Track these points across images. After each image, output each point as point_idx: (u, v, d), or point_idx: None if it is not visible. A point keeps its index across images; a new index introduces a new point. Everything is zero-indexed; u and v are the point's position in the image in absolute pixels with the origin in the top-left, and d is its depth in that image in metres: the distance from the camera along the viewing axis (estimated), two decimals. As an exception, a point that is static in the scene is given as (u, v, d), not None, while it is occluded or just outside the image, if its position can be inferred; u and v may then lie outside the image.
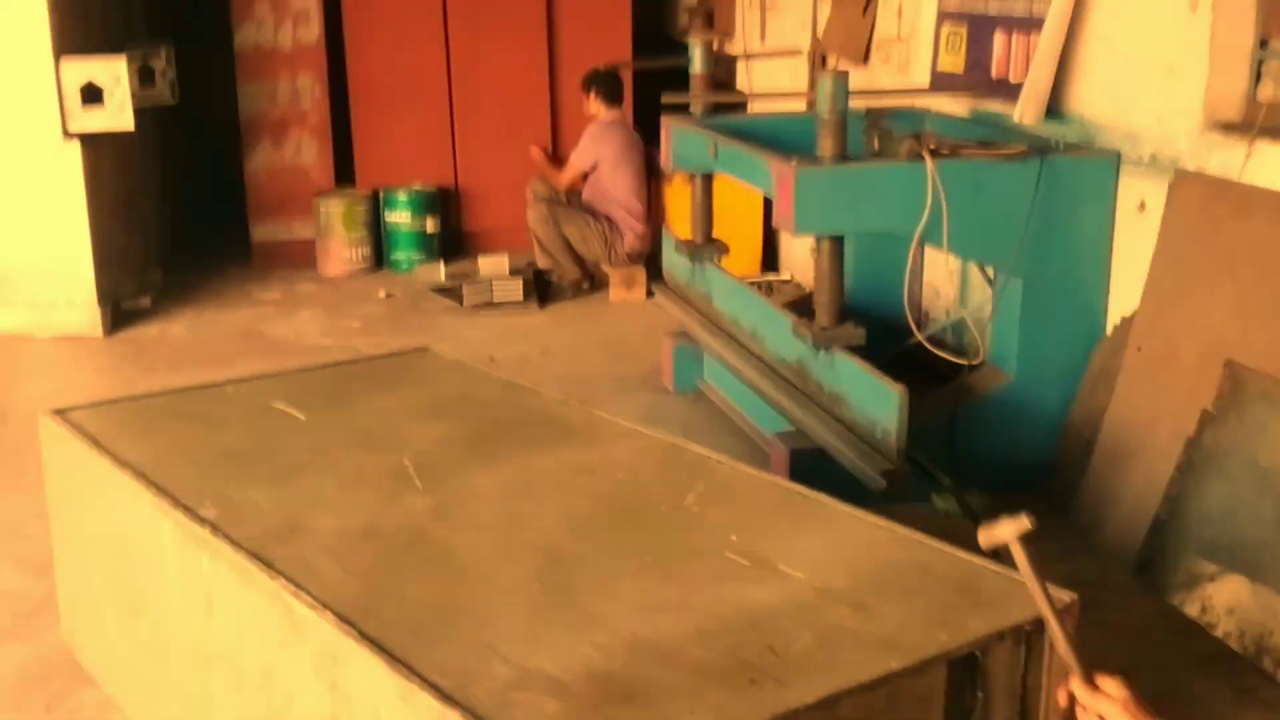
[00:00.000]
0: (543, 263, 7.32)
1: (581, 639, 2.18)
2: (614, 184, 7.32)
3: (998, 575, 2.40)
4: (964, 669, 2.25)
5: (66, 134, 6.39)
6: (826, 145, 4.01)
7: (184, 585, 2.67)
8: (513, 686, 2.04)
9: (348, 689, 2.18)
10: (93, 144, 6.52)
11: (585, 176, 7.43)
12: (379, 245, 8.06)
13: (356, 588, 2.37)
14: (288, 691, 2.36)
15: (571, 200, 7.46)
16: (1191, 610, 3.55)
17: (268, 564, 2.43)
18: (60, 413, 3.27)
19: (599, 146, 7.34)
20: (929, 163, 3.99)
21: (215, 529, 2.57)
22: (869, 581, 2.38)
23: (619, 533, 2.61)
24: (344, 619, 2.22)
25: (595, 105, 7.46)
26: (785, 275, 7.31)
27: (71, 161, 6.42)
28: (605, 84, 7.46)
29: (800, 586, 2.36)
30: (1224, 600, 3.47)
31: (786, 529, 2.61)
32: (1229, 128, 3.80)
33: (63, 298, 6.55)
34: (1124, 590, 3.73)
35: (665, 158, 5.41)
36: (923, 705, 2.20)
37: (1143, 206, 4.12)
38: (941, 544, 2.52)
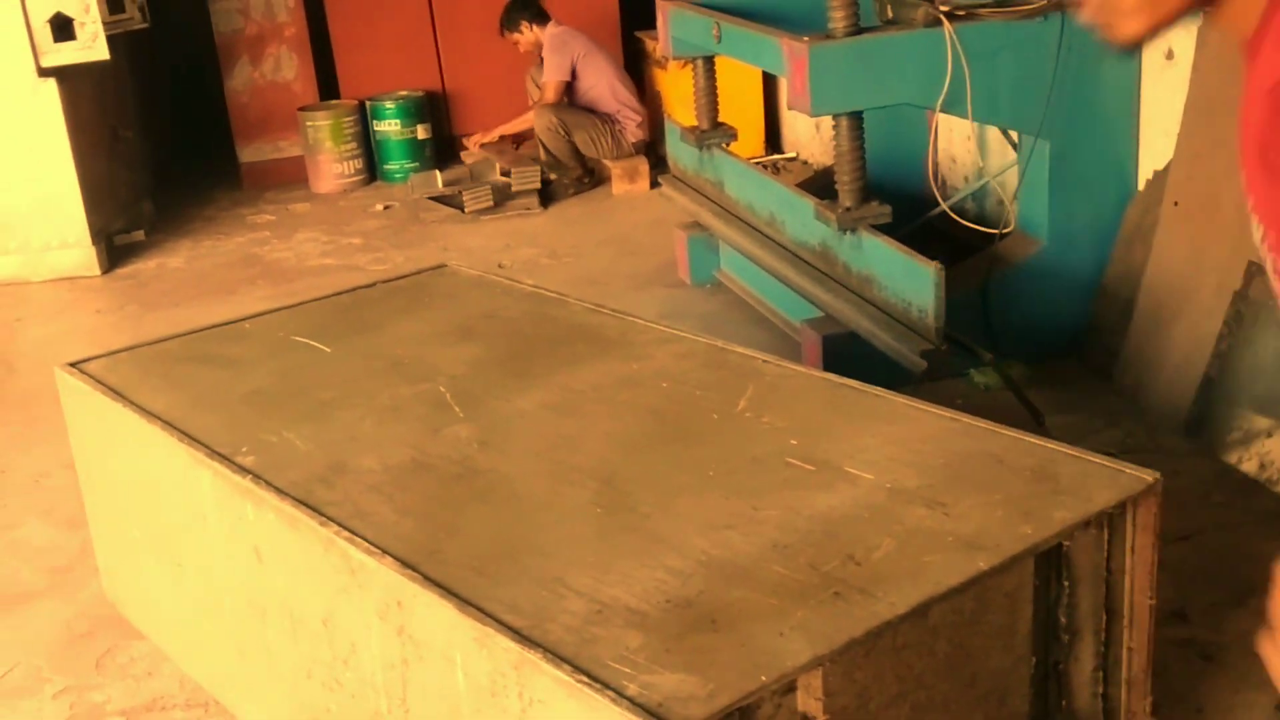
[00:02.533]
0: (545, 163, 7.15)
1: (653, 564, 2.09)
2: (597, 79, 7.14)
3: (1074, 459, 2.31)
4: (1049, 560, 2.18)
5: (41, 71, 6.18)
6: (838, 18, 3.84)
7: (229, 536, 2.59)
8: (590, 621, 1.95)
9: (416, 634, 2.10)
10: (69, 78, 6.31)
11: (568, 89, 7.22)
12: (370, 157, 7.89)
13: (412, 527, 2.28)
14: (350, 639, 2.28)
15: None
16: (1249, 468, 3.48)
17: (316, 510, 2.34)
18: (76, 364, 3.16)
19: (566, 50, 7.16)
20: (947, 27, 3.82)
21: (256, 477, 2.48)
22: (942, 477, 2.29)
23: (673, 447, 2.51)
24: (405, 563, 2.14)
25: (532, 32, 7.30)
26: (791, 154, 7.14)
27: (49, 99, 6.23)
28: (526, 6, 7.28)
29: (871, 488, 2.27)
30: (1283, 456, 3.40)
31: (847, 428, 2.51)
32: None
33: (56, 239, 6.40)
34: (1176, 453, 3.65)
35: (663, 42, 5.22)
36: (1010, 602, 2.13)
37: (1170, 55, 3.96)
38: (1012, 431, 2.43)
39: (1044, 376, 4.15)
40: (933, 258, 3.72)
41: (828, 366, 4.06)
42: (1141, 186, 4.15)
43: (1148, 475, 2.23)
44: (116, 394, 2.96)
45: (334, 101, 7.95)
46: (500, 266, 5.89)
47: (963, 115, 4.01)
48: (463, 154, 7.79)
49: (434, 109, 7.97)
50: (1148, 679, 2.34)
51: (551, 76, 7.19)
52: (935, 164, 5.18)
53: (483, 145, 7.54)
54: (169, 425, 2.76)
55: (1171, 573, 3.06)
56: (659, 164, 6.73)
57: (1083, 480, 2.24)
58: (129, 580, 3.19)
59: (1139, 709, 2.35)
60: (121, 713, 2.93)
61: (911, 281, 3.80)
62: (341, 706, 2.38)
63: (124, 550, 3.15)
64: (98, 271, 6.45)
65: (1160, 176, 4.03)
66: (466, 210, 6.82)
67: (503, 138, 7.62)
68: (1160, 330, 3.89)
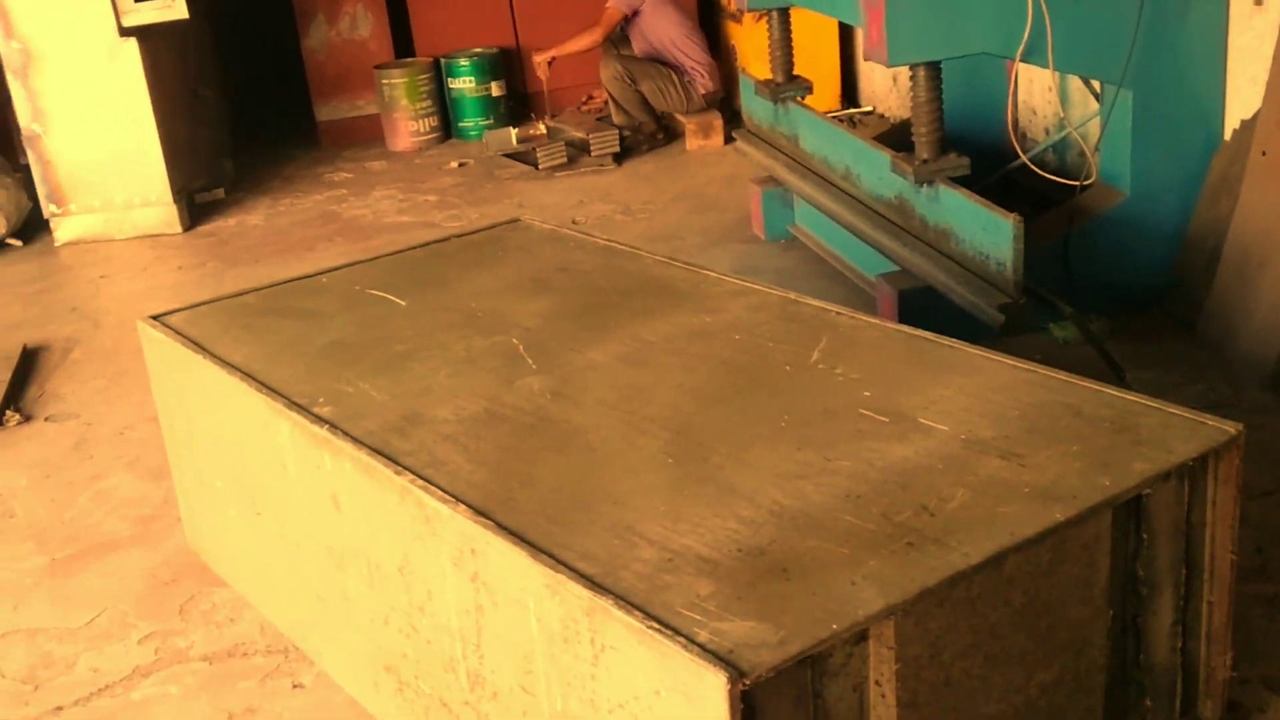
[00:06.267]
0: (618, 120, 7.13)
1: (725, 513, 2.09)
2: (667, 29, 7.06)
3: (1154, 411, 2.27)
4: (1127, 512, 2.15)
5: (122, 30, 6.27)
6: (915, -34, 3.78)
7: (308, 485, 2.63)
8: (661, 569, 1.96)
9: (490, 581, 2.13)
10: (149, 38, 6.41)
11: (623, 28, 7.14)
12: (445, 115, 7.91)
13: (486, 476, 2.30)
14: (426, 586, 2.31)
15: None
16: (1337, 424, 3.40)
17: (392, 459, 2.36)
18: (158, 317, 3.22)
19: None
20: (1028, -26, 3.74)
21: (334, 427, 2.51)
22: (1018, 428, 2.26)
23: (746, 398, 2.51)
24: (478, 511, 2.15)
25: None
26: (867, 108, 7.06)
27: (130, 58, 6.32)
28: None
29: (946, 439, 2.25)
30: (1373, 411, 3.32)
31: (921, 380, 2.48)
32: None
33: (138, 197, 6.51)
34: (1261, 407, 3.58)
35: (738, -5, 5.18)
36: (1088, 554, 2.10)
37: (1259, 1, 3.85)
38: (1090, 382, 2.39)
39: (1126, 330, 4.08)
40: (1012, 211, 3.67)
41: (904, 321, 4.01)
42: (1228, 136, 4.05)
43: (1230, 427, 2.18)
44: (197, 346, 3.01)
45: (409, 59, 7.98)
46: (574, 223, 5.89)
47: (1043, 65, 3.93)
48: (540, 111, 7.77)
49: (508, 66, 7.97)
50: (1228, 634, 2.30)
51: (615, 5, 7.09)
52: (1015, 115, 5.09)
53: (551, 62, 7.39)
54: (248, 376, 2.80)
55: (1254, 528, 3.01)
56: (734, 119, 6.69)
57: (1163, 432, 2.20)
58: (211, 529, 3.25)
59: (1219, 664, 2.31)
60: (204, 658, 2.99)
61: (990, 234, 3.74)
62: (418, 652, 2.41)
63: (206, 500, 3.21)
64: (179, 229, 6.55)
65: (1248, 126, 3.93)
66: (540, 167, 6.83)
67: (581, 105, 7.59)
68: (1246, 283, 3.81)
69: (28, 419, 4.43)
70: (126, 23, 6.28)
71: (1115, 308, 4.12)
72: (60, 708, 2.88)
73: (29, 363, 4.91)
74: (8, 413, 4.43)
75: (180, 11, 6.36)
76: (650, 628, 1.80)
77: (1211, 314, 3.93)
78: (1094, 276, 4.10)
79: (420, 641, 2.39)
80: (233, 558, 3.18)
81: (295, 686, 2.86)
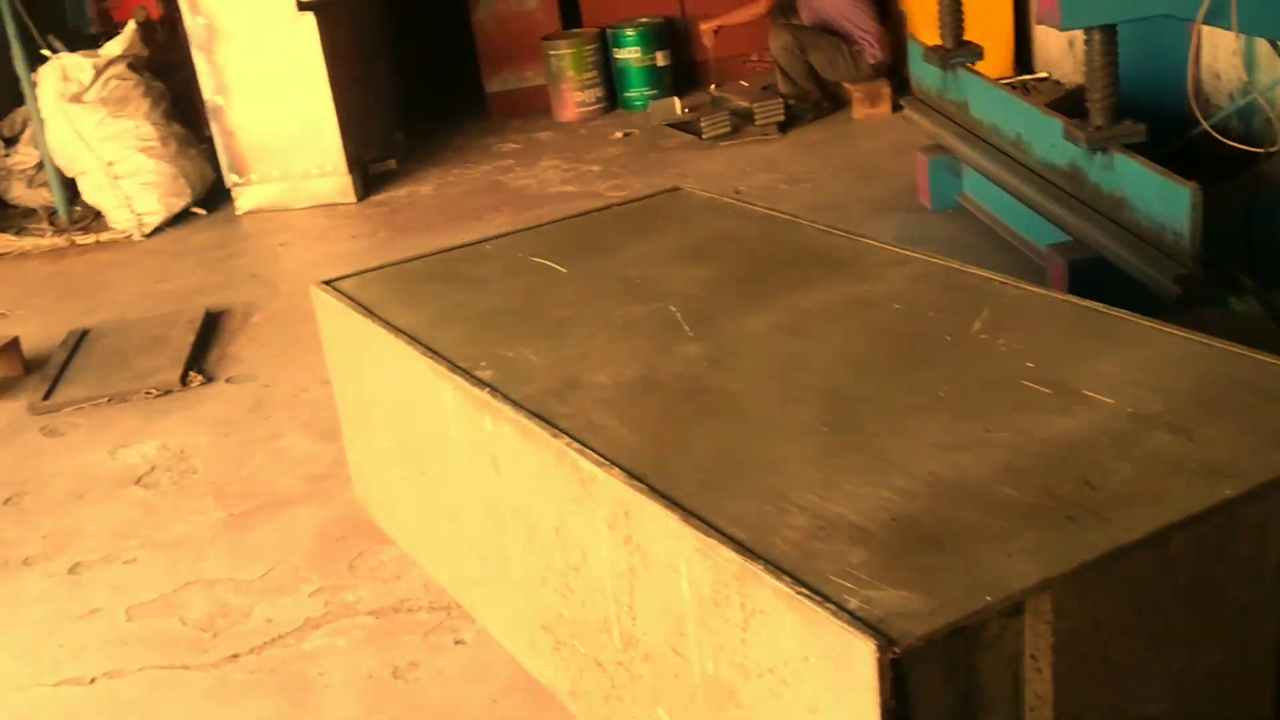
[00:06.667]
0: (784, 89, 7.08)
1: (879, 482, 2.07)
2: None
3: (1335, 387, 2.17)
4: (1303, 491, 2.06)
5: (300, 5, 6.47)
6: (1092, -76, 3.66)
7: (469, 447, 2.69)
8: (813, 536, 1.96)
9: (643, 544, 2.15)
10: (325, 12, 6.59)
11: (803, 8, 7.09)
12: (611, 85, 7.96)
13: (641, 441, 2.32)
14: (581, 547, 2.35)
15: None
16: None
17: (550, 423, 2.40)
18: (330, 283, 3.32)
19: None
20: (1212, -69, 3.59)
21: (495, 390, 2.56)
22: (1188, 403, 2.19)
23: (904, 368, 2.48)
24: (633, 474, 2.18)
25: None
26: (1042, 74, 6.86)
27: (308, 33, 6.51)
28: None
29: (1111, 413, 2.19)
30: None
31: (1087, 351, 2.42)
32: None
33: (315, 167, 6.72)
34: None
35: (907, -40, 5.08)
36: (1259, 533, 2.02)
37: None
38: (1266, 356, 2.29)
39: (1311, 305, 3.89)
40: (1192, 179, 3.53)
41: (1074, 293, 3.89)
42: None
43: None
44: (366, 310, 3.10)
45: (576, 30, 8.04)
46: (737, 192, 5.87)
47: (1227, 27, 3.76)
48: (705, 81, 7.77)
49: (673, 35, 7.97)
50: None
51: None
52: (1198, 80, 4.90)
53: (716, 31, 7.37)
54: (414, 340, 2.88)
55: None
56: (902, 87, 6.56)
57: (1344, 408, 2.11)
58: (378, 488, 3.36)
59: (1400, 653, 2.21)
60: (371, 612, 3.10)
61: (1166, 203, 3.61)
62: (573, 612, 2.46)
63: (374, 460, 3.32)
64: (353, 199, 6.75)
65: None
66: (704, 137, 6.83)
67: (746, 78, 7.55)
68: None
69: (209, 380, 4.63)
70: (304, -1, 6.48)
71: (1301, 282, 3.93)
72: (236, 655, 3.01)
73: (211, 326, 5.12)
74: (191, 374, 4.64)
75: (356, -14, 6.53)
76: (800, 594, 1.80)
77: (1406, 288, 3.73)
78: (1278, 248, 3.93)
79: (576, 602, 2.43)
80: (399, 516, 3.28)
81: (457, 643, 2.95)
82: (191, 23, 6.56)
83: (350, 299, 3.19)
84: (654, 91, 7.80)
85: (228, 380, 4.62)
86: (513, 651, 2.80)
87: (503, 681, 2.77)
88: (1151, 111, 4.34)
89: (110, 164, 6.54)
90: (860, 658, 1.70)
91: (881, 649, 1.68)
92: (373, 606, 3.12)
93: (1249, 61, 4.70)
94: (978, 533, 1.91)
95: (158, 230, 6.62)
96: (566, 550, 2.41)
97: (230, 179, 6.79)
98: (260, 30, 6.53)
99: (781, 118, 6.87)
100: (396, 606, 3.11)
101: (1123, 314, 2.54)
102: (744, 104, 7.06)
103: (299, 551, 3.41)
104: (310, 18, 6.49)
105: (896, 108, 6.57)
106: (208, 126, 6.82)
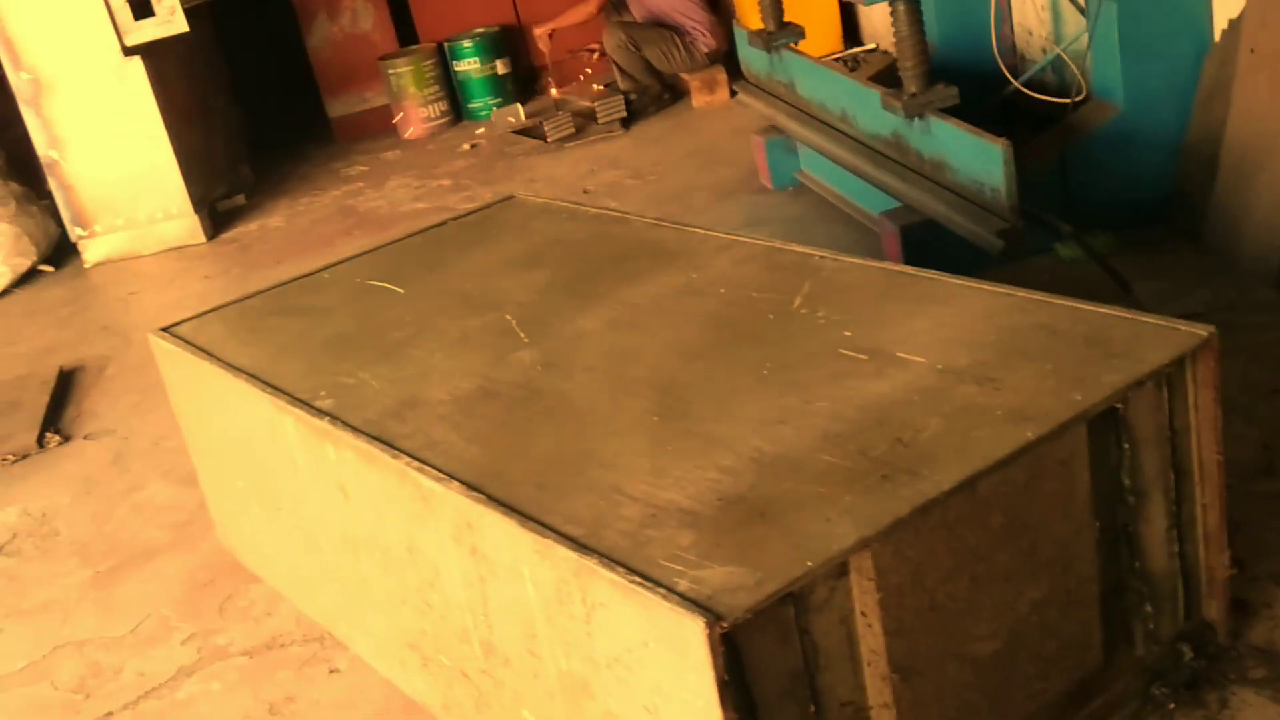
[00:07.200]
0: (623, 86, 7.15)
1: (706, 465, 2.14)
2: None
3: (1127, 321, 2.29)
4: (1105, 425, 2.17)
5: (125, 50, 6.37)
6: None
7: (316, 477, 2.70)
8: (644, 525, 2.01)
9: (487, 552, 2.19)
10: (154, 54, 6.50)
11: (632, 5, 7.17)
12: (454, 98, 7.97)
13: (479, 452, 2.36)
14: (432, 564, 2.38)
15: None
16: (1344, 315, 3.39)
17: (389, 444, 2.43)
18: (168, 329, 3.31)
19: None
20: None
21: (334, 418, 2.58)
22: (993, 353, 2.29)
23: (730, 350, 2.55)
24: (471, 486, 2.22)
25: None
26: (870, 45, 7.02)
27: (137, 77, 6.42)
28: None
29: (922, 371, 2.28)
30: (1378, 299, 3.29)
31: (900, 314, 2.51)
32: None
33: (160, 211, 6.63)
34: (1272, 306, 3.56)
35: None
36: (1065, 470, 2.13)
37: (1234, -104, 3.80)
38: (1064, 300, 2.40)
39: (1131, 245, 4.06)
40: (1013, 135, 3.65)
41: (908, 257, 4.04)
42: (1217, 38, 4.01)
43: (1202, 330, 2.19)
44: (205, 352, 3.09)
45: (413, 46, 8.03)
46: (585, 192, 5.93)
47: (1021, -16, 3.91)
48: (545, 85, 7.81)
49: (511, 43, 8.00)
50: (1223, 534, 2.32)
51: None
52: (1011, 38, 5.06)
53: (551, 35, 7.42)
54: (253, 377, 2.88)
55: (1262, 426, 3.02)
56: (737, 72, 6.67)
57: (1135, 342, 2.22)
58: (239, 528, 3.35)
59: (1218, 565, 2.33)
60: (244, 652, 3.09)
61: (982, 161, 3.74)
62: (434, 627, 2.49)
63: (232, 500, 3.31)
64: (203, 239, 6.67)
65: (1235, 25, 3.88)
66: (549, 140, 6.87)
67: (582, 76, 7.61)
68: (1246, 183, 3.78)
69: (67, 439, 4.55)
70: (129, 42, 6.38)
71: (1120, 222, 4.09)
72: (110, 713, 2.99)
73: (66, 384, 5.04)
74: (48, 435, 4.56)
75: (180, 25, 6.45)
76: (634, 582, 1.86)
77: (1214, 219, 3.91)
78: (1094, 194, 4.09)
79: (435, 617, 2.46)
80: (262, 553, 3.27)
81: (331, 672, 2.95)
82: (15, 78, 6.43)
83: (188, 343, 3.18)
84: (498, 100, 7.83)
85: (85, 437, 4.55)
86: (385, 673, 2.82)
87: (378, 704, 2.79)
88: (969, 73, 4.49)
89: (-52, 230, 6.39)
90: (693, 636, 1.76)
91: (710, 624, 1.74)
92: (245, 646, 3.11)
93: (1055, 15, 4.88)
94: (799, 501, 1.99)
95: (5, 292, 6.47)
96: (419, 567, 2.44)
97: (75, 232, 6.67)
98: (87, 79, 6.41)
99: (624, 114, 6.94)
100: (269, 643, 3.10)
101: (933, 274, 2.64)
102: (586, 104, 7.12)
103: (168, 601, 3.39)
104: (137, 62, 6.40)
105: (734, 93, 6.67)
106: (47, 182, 6.69)
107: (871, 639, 1.94)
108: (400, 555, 2.49)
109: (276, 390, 2.78)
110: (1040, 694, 2.17)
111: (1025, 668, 2.14)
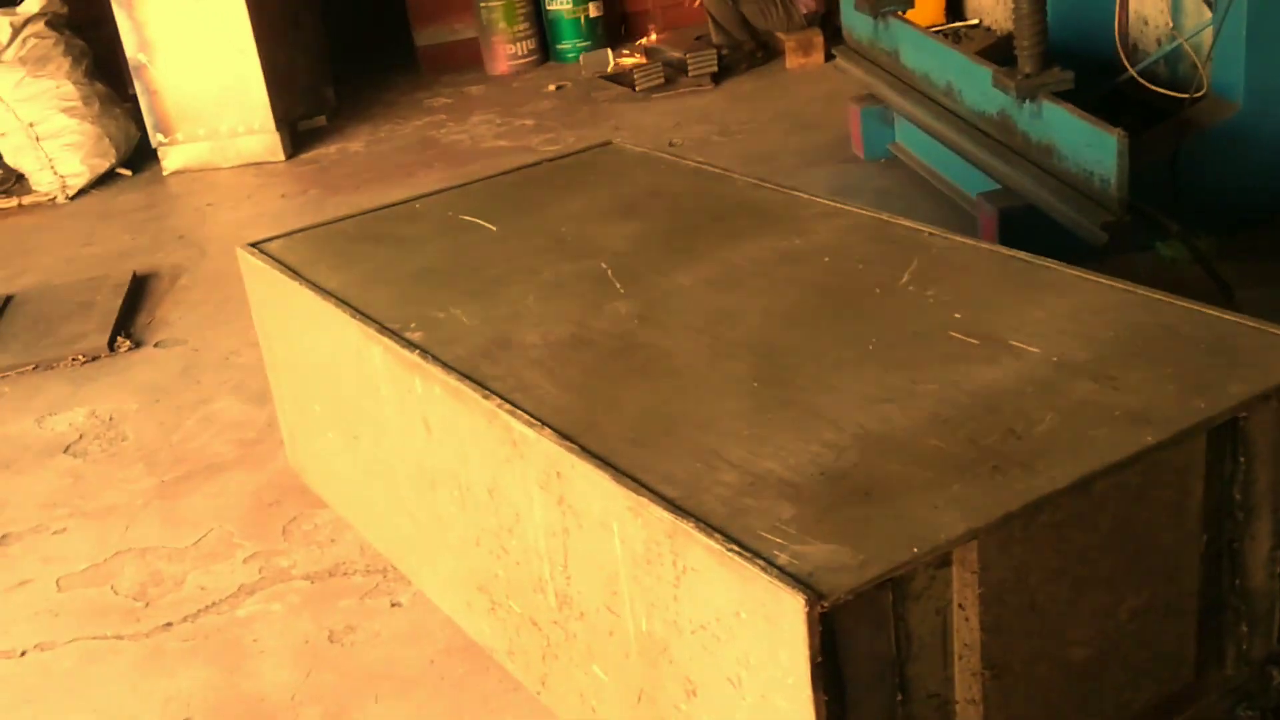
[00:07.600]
0: (717, 39, 7.04)
1: (808, 437, 2.08)
2: None
3: (1255, 331, 2.20)
4: (1223, 436, 2.09)
5: (223, -40, 6.34)
6: None
7: (400, 409, 2.67)
8: (743, 492, 1.96)
9: (574, 504, 2.15)
10: (250, -34, 6.46)
11: None
12: (543, 37, 7.88)
13: (572, 400, 2.31)
14: (514, 508, 2.34)
15: None
16: None
17: (480, 384, 2.39)
18: (257, 245, 3.27)
19: None
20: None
21: (424, 352, 2.54)
22: (1112, 351, 2.21)
23: (833, 321, 2.48)
24: (564, 435, 2.17)
25: None
26: (974, 20, 6.87)
27: (232, -12, 6.38)
28: None
29: (1037, 362, 2.21)
30: None
31: (1014, 301, 2.44)
32: None
33: (242, 125, 6.61)
34: (1378, 328, 3.45)
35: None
36: (1180, 478, 2.05)
37: (1385, -103, 3.66)
38: (1188, 302, 2.32)
39: (1237, 248, 3.95)
40: (1121, 126, 3.55)
41: (1004, 241, 3.93)
42: (1349, 43, 3.87)
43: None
44: (294, 272, 3.06)
45: (508, -19, 7.94)
46: (671, 145, 5.85)
47: (1152, -28, 3.78)
48: (643, 40, 7.71)
49: (606, -13, 7.90)
50: (1330, 560, 2.24)
51: None
52: (1126, 26, 4.92)
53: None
54: (342, 302, 2.84)
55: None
56: (835, 36, 6.55)
57: (1261, 353, 2.14)
58: (311, 452, 3.33)
59: (1320, 591, 2.25)
60: (306, 577, 3.08)
61: (1094, 150, 3.64)
62: (508, 572, 2.45)
63: (306, 423, 3.29)
64: (282, 157, 6.65)
65: (1370, 32, 3.75)
66: (637, 89, 6.78)
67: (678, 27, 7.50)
68: (1365, 197, 3.66)
69: (138, 345, 4.56)
70: (227, -50, 6.34)
71: (1228, 225, 3.99)
72: (170, 624, 2.99)
73: (139, 290, 5.04)
74: (119, 339, 4.56)
75: (279, -61, 6.40)
76: (730, 550, 1.81)
77: (1327, 230, 3.80)
78: (1204, 193, 3.98)
79: (510, 563, 2.43)
80: (332, 480, 3.25)
81: (393, 605, 2.94)
82: (110, -22, 6.41)
83: (277, 261, 3.14)
84: (587, 43, 7.73)
85: (156, 345, 4.56)
86: (449, 613, 2.79)
87: (440, 643, 2.77)
88: (1081, 58, 4.36)
89: (31, 125, 6.40)
90: (790, 612, 1.71)
91: (810, 603, 1.69)
92: (307, 571, 3.10)
93: (1176, 6, 4.73)
94: (905, 485, 1.93)
95: (82, 192, 6.49)
96: (500, 511, 2.40)
97: (156, 139, 6.67)
98: (183, -12, 6.39)
99: (715, 68, 6.84)
100: (332, 570, 3.09)
101: (1049, 263, 2.56)
102: (677, 55, 7.02)
103: (232, 517, 3.38)
104: (234, -29, 6.36)
105: (829, 57, 6.55)
106: (132, 85, 6.68)
107: (966, 633, 1.88)
108: (480, 497, 2.45)
109: (366, 317, 2.75)
110: (1127, 704, 2.11)
111: (1116, 676, 2.07)
